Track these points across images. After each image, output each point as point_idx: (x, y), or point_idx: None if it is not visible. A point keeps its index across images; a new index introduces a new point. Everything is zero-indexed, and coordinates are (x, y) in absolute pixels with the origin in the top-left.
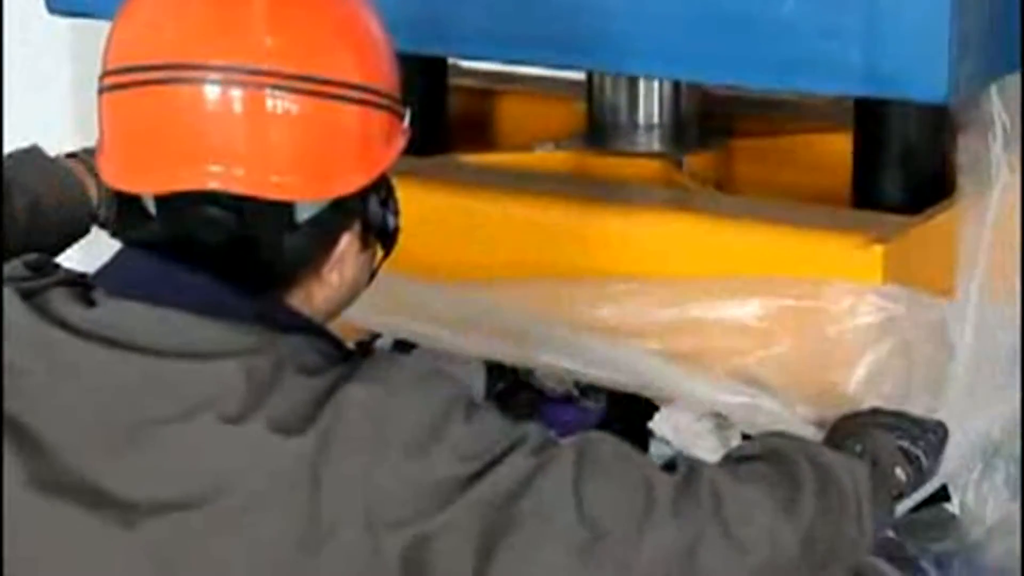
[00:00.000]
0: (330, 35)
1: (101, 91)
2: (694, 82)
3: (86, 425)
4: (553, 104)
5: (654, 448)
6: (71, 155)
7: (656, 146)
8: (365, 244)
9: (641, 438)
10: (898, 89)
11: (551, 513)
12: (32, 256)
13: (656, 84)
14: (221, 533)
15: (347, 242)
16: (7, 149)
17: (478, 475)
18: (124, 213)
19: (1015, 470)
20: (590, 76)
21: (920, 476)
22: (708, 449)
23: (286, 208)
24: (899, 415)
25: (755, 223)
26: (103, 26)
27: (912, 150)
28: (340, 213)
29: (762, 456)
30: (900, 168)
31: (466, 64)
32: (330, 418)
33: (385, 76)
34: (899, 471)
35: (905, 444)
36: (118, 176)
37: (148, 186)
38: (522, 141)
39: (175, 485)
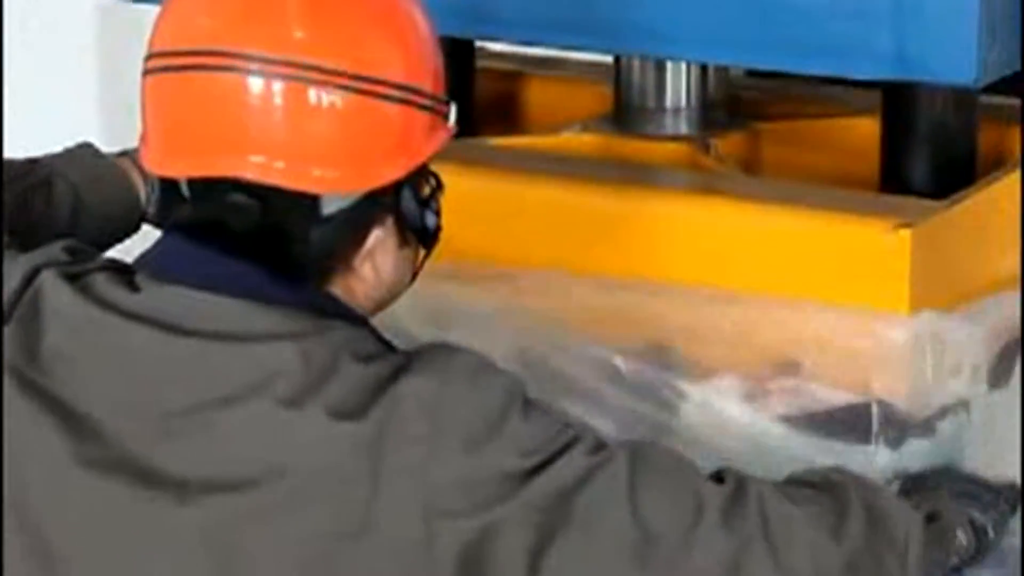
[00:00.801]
0: (376, 32)
1: (145, 73)
2: (722, 65)
3: (137, 407)
4: (580, 87)
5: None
6: (122, 153)
7: (683, 129)
8: (403, 241)
9: (663, 422)
10: (927, 72)
11: (605, 512)
12: (69, 241)
13: (683, 67)
14: (273, 515)
15: (377, 237)
16: (29, 138)
17: (536, 470)
18: (164, 198)
19: None
20: (617, 59)
21: (984, 544)
22: (737, 439)
23: (313, 200)
24: (973, 480)
25: (782, 207)
26: (129, 14)
27: (940, 134)
28: (370, 207)
29: (815, 484)
30: (928, 152)
31: (493, 47)
32: (387, 409)
33: (429, 75)
34: (961, 534)
35: (975, 512)
36: (156, 160)
37: (183, 170)
38: (549, 124)
39: (228, 466)
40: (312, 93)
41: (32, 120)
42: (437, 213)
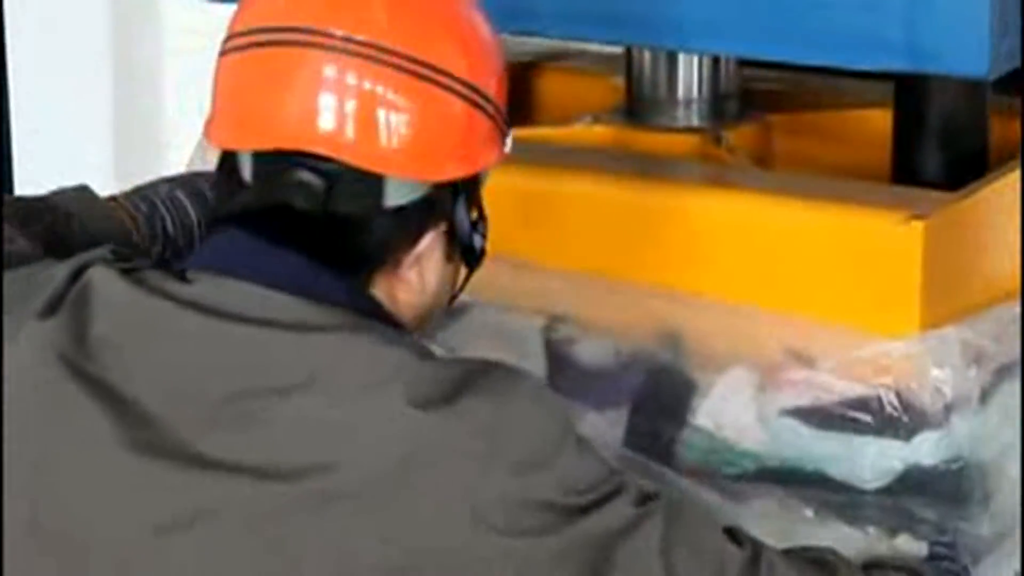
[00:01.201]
0: (448, 30)
1: (223, 53)
2: (734, 57)
3: (187, 393)
4: (592, 79)
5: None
6: (111, 198)
7: (695, 121)
8: (450, 254)
9: (676, 414)
10: (939, 64)
11: (641, 564)
12: (113, 246)
13: (695, 59)
14: (321, 506)
15: (429, 241)
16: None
17: (585, 510)
18: (222, 189)
19: None
20: (629, 51)
21: None
22: (751, 441)
23: (377, 187)
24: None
25: (794, 198)
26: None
27: (952, 126)
28: (428, 207)
29: (814, 561)
30: (940, 144)
31: (505, 38)
32: (448, 419)
33: (494, 85)
34: None
35: None
36: (225, 135)
37: (254, 143)
38: (560, 116)
39: (279, 455)
40: (387, 76)
41: (43, 111)
42: (484, 237)
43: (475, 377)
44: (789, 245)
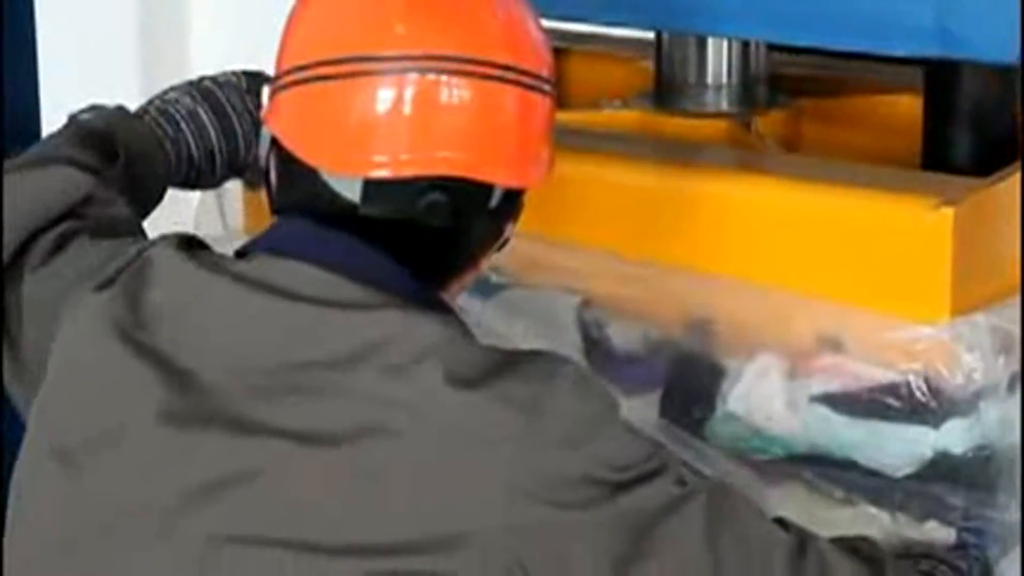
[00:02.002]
0: (536, 36)
1: (323, 78)
2: (764, 42)
3: (239, 364)
4: (621, 63)
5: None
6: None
7: (724, 106)
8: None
9: (706, 400)
10: (969, 50)
11: (683, 545)
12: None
13: (724, 44)
14: (369, 475)
15: (507, 234)
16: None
17: (625, 486)
18: (296, 183)
19: None
20: (659, 35)
21: None
22: (781, 427)
23: (488, 194)
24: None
25: (823, 184)
26: None
27: (982, 112)
28: (512, 203)
29: (858, 551)
30: (970, 130)
31: None
32: (490, 401)
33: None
34: None
35: None
36: (352, 162)
37: (379, 170)
38: (590, 101)
39: (328, 425)
40: (495, 89)
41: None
42: None
43: (517, 361)
44: (819, 231)
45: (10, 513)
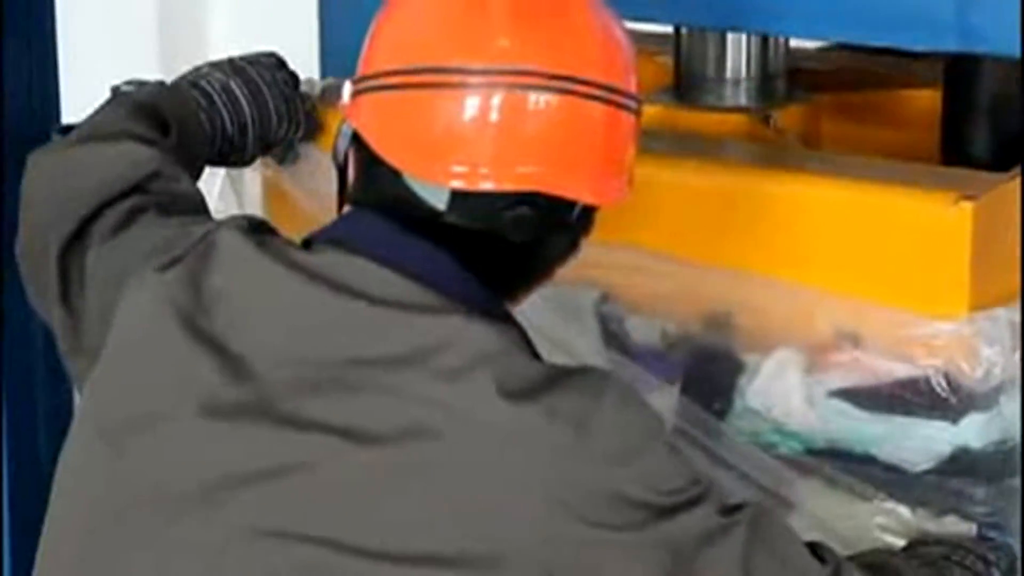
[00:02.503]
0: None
1: (398, 87)
2: (784, 37)
3: (291, 355)
4: (640, 58)
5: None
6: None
7: (743, 101)
8: None
9: (725, 394)
10: (989, 45)
11: (721, 573)
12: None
13: (744, 39)
14: (412, 474)
15: (582, 245)
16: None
17: (669, 512)
18: (372, 179)
19: None
20: (678, 30)
21: None
22: (800, 422)
23: (570, 210)
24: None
25: (842, 179)
26: None
27: (1001, 107)
28: (588, 217)
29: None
30: (989, 124)
31: None
32: (540, 414)
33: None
34: None
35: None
36: (427, 168)
37: (457, 180)
38: None
39: (375, 424)
40: (584, 106)
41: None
42: None
43: (567, 375)
44: (838, 226)
45: (55, 487)
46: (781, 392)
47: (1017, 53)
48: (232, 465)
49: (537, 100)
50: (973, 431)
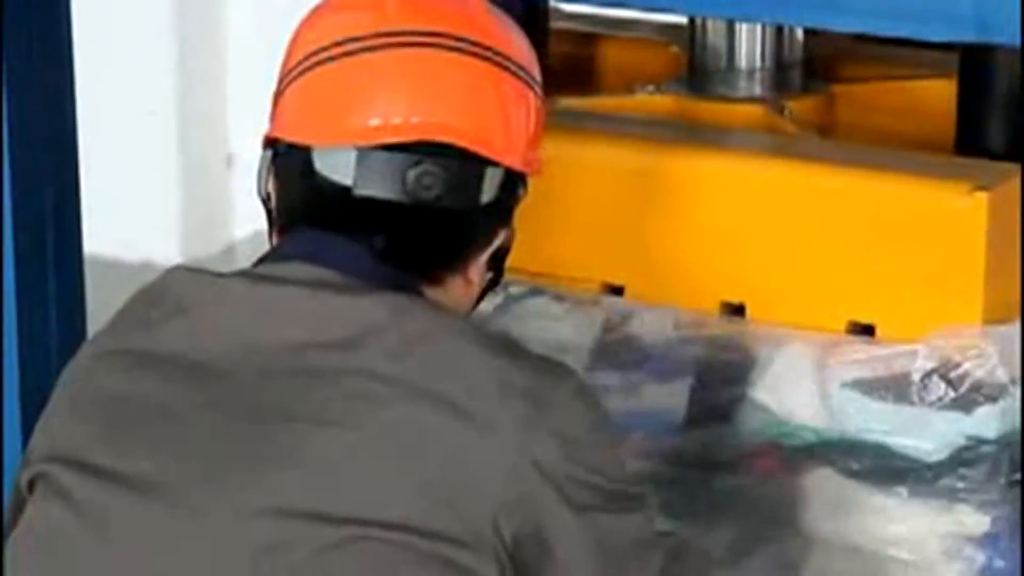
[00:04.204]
0: (519, 39)
1: (320, 63)
2: (798, 26)
3: (253, 350)
4: (654, 49)
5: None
6: None
7: (757, 91)
8: (491, 262)
9: (737, 386)
10: (1005, 35)
11: None
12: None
13: (758, 29)
14: (376, 452)
15: (499, 240)
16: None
17: (616, 505)
18: (295, 188)
19: None
20: (691, 20)
21: None
22: (812, 413)
23: (479, 179)
24: None
25: (857, 170)
26: None
27: (1016, 97)
28: (504, 207)
29: None
30: (1004, 115)
31: (567, 8)
32: (496, 388)
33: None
34: None
35: None
36: (341, 130)
37: (374, 136)
38: (623, 86)
39: (334, 405)
40: (490, 71)
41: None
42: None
43: (524, 353)
44: (852, 217)
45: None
46: (794, 383)
47: None
48: (213, 465)
49: (444, 58)
50: (986, 422)
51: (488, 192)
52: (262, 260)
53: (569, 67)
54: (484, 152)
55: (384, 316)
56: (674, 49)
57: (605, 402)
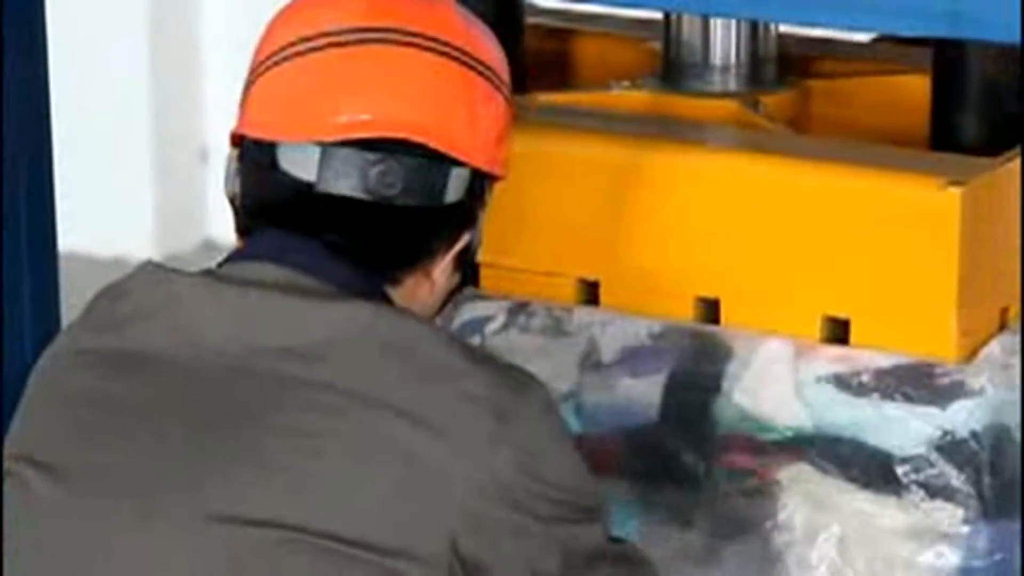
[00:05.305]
0: (488, 41)
1: (287, 58)
2: (773, 22)
3: (214, 347)
4: (629, 44)
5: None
6: None
7: (732, 86)
8: (457, 264)
9: (713, 382)
10: (979, 30)
11: None
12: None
13: (732, 24)
14: (334, 463)
15: (464, 242)
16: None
17: (578, 516)
18: (258, 184)
19: None
20: (666, 16)
21: None
22: (788, 408)
23: (444, 178)
24: None
25: (831, 164)
26: None
27: (991, 92)
28: (469, 208)
29: None
30: (978, 110)
31: (542, 3)
32: (457, 398)
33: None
34: None
35: None
36: (316, 127)
37: (338, 132)
38: (598, 81)
39: (297, 416)
40: (461, 72)
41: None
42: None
43: (490, 361)
44: (827, 211)
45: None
46: (770, 379)
47: (1007, 38)
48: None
49: (408, 55)
50: (961, 417)
51: (453, 192)
52: (227, 260)
53: (544, 62)
54: (450, 151)
55: (348, 325)
56: (649, 45)
57: (582, 398)
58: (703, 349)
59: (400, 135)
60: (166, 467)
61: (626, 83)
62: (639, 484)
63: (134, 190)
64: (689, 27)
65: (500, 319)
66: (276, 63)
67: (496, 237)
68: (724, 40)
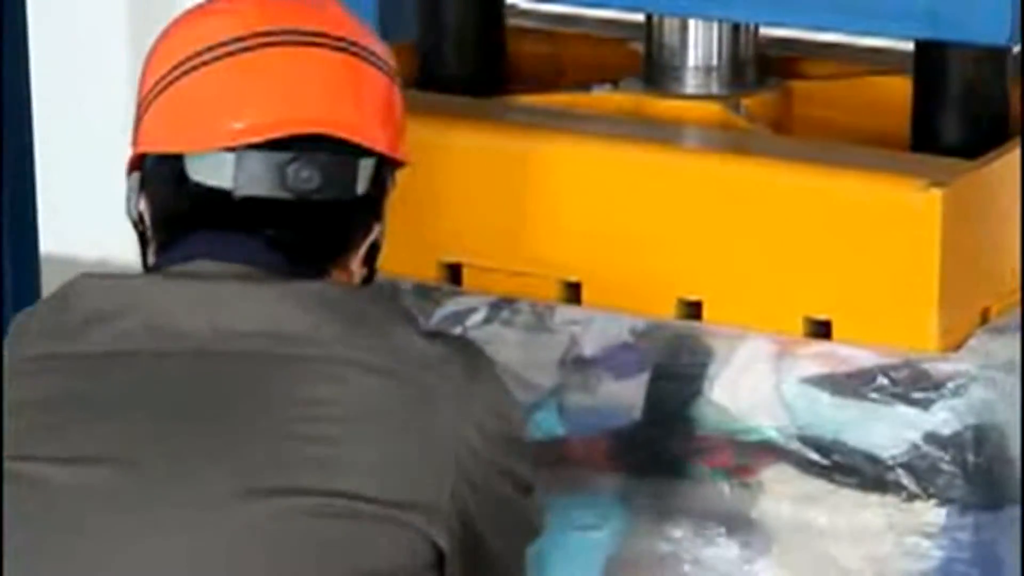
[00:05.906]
0: (374, 35)
1: (194, 68)
2: (754, 24)
3: (178, 334)
4: (611, 46)
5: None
6: None
7: (713, 88)
8: (367, 256)
9: (695, 382)
10: (960, 31)
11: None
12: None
13: (714, 26)
14: (333, 426)
15: (375, 234)
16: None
17: (525, 480)
18: (171, 195)
19: None
20: (648, 18)
21: None
22: (769, 409)
23: (354, 169)
24: None
25: (812, 166)
26: None
27: (972, 93)
28: (377, 200)
29: None
30: (960, 111)
31: (523, 4)
32: (420, 363)
33: None
34: None
35: None
36: (212, 135)
37: (245, 136)
38: (579, 83)
39: (288, 387)
40: (354, 63)
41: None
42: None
43: (447, 337)
44: (808, 213)
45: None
46: (752, 379)
47: (986, 40)
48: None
49: (301, 54)
50: (943, 418)
51: (362, 183)
52: (155, 267)
53: (526, 64)
54: (355, 139)
55: (313, 301)
56: (631, 46)
57: (563, 396)
58: (685, 347)
59: (308, 130)
60: (165, 455)
61: (608, 85)
62: (620, 482)
63: (117, 191)
64: (670, 28)
65: (482, 313)
66: (174, 79)
67: (478, 238)
68: (706, 42)
